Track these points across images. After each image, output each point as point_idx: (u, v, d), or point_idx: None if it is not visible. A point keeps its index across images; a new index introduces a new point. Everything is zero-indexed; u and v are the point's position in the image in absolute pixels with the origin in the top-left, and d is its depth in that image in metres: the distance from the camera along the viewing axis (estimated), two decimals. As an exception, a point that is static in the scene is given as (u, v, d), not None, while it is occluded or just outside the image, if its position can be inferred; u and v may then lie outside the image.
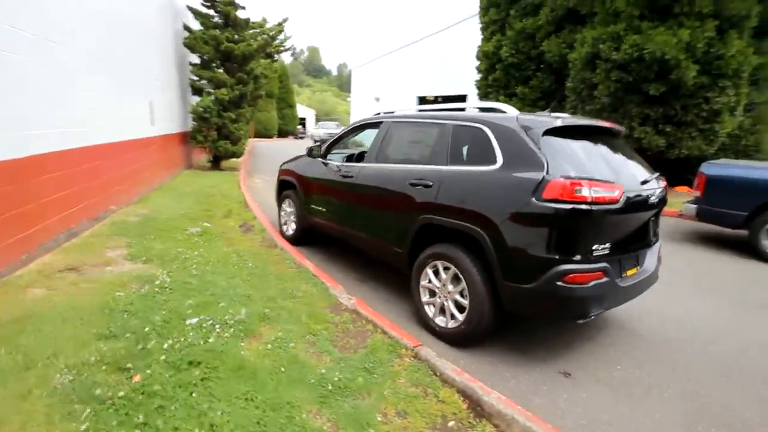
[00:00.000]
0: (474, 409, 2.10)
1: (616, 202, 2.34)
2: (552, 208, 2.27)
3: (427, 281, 2.98)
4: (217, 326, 2.62)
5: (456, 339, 2.76)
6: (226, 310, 2.85)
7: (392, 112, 3.77)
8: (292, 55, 78.27)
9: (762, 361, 2.77)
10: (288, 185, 5.00)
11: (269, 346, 2.48)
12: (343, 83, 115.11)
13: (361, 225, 3.64)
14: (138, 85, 6.83)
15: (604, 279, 2.37)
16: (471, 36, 20.00)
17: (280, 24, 10.40)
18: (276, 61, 13.98)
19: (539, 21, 10.57)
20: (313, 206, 4.39)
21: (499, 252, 2.44)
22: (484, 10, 12.16)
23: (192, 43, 9.67)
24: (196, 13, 10.07)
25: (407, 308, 3.35)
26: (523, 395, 2.28)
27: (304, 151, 4.74)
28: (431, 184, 2.89)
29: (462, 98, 21.55)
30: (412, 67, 24.73)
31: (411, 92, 25.04)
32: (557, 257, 2.30)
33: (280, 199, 5.21)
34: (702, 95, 8.23)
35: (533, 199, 2.32)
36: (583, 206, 2.25)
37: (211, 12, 10.24)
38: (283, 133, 42.65)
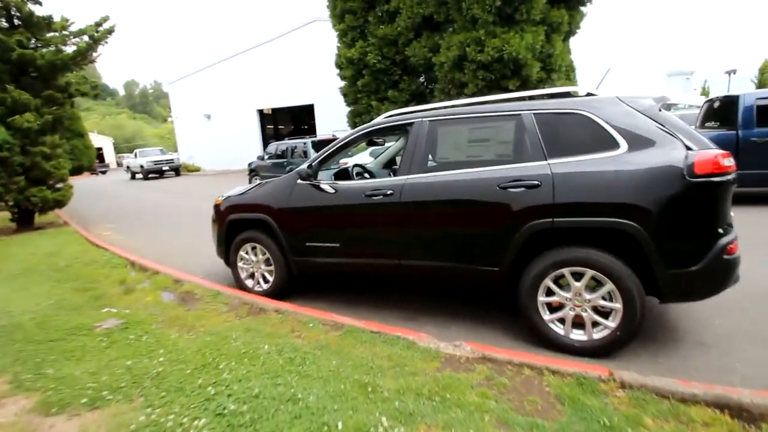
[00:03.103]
0: (740, 416, 1.83)
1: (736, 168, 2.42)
2: (706, 182, 2.20)
3: (544, 295, 2.55)
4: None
5: (606, 349, 2.44)
6: (361, 428, 1.80)
7: (415, 111, 3.14)
8: (61, 73, 62.11)
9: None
10: (249, 225, 3.71)
11: (481, 455, 1.65)
12: (135, 103, 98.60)
13: (416, 252, 2.91)
14: None
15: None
16: (307, 45, 19.74)
17: (98, 24, 7.85)
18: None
19: (398, 28, 11.07)
20: (312, 244, 3.34)
21: (659, 241, 2.24)
22: (339, 18, 12.03)
23: (-46, 48, 6.37)
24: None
25: (495, 330, 2.84)
26: (723, 378, 2.13)
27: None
28: (539, 183, 2.47)
29: (309, 108, 21.08)
30: (244, 79, 22.81)
31: (249, 106, 23.13)
32: (718, 231, 2.25)
33: (231, 247, 3.83)
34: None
35: (687, 177, 2.20)
36: (728, 176, 2.25)
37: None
38: (75, 170, 33.58)
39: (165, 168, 23.00)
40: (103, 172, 37.38)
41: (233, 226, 3.79)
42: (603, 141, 2.41)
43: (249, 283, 3.81)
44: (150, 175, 22.79)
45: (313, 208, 3.30)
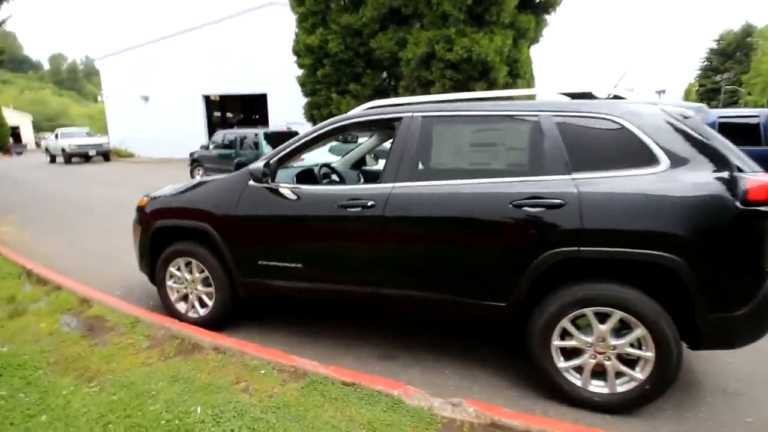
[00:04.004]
0: None
1: None
2: (760, 211, 1.83)
3: (560, 339, 2.09)
4: None
5: (631, 405, 2.03)
6: None
7: (404, 104, 2.54)
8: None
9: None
10: (182, 234, 2.92)
11: None
12: (62, 79, 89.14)
13: (402, 279, 2.33)
14: None
15: None
16: (262, 29, 18.42)
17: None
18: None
19: (363, 18, 10.40)
20: (267, 263, 2.64)
21: (704, 280, 1.85)
22: (298, 0, 11.12)
23: None
24: None
25: (493, 372, 2.35)
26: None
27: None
28: (562, 202, 1.99)
29: (262, 97, 19.73)
30: (188, 60, 20.84)
31: (194, 90, 21.21)
32: (766, 269, 1.90)
33: (159, 261, 3.01)
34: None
35: (739, 203, 1.82)
36: (781, 203, 1.91)
37: None
38: (-19, 150, 29.24)
39: (91, 153, 20.44)
40: (19, 153, 32.82)
41: (161, 234, 2.97)
42: (640, 155, 1.98)
43: (181, 306, 3.02)
44: (73, 159, 20.16)
45: (269, 218, 2.60)
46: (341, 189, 2.53)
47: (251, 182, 2.60)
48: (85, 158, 20.50)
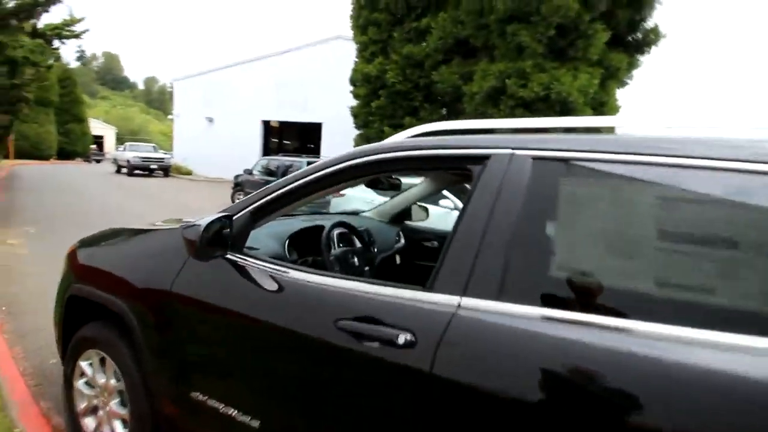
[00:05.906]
0: None
1: None
2: None
3: None
4: None
5: None
6: None
7: (484, 130, 1.32)
8: (80, 59, 62.32)
9: None
10: (98, 311, 1.81)
11: None
12: (152, 99, 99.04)
13: None
14: None
15: None
16: (326, 61, 18.52)
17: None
18: (57, 48, 8.92)
19: (426, 48, 9.57)
20: (202, 398, 1.43)
21: None
22: (361, 29, 10.61)
23: None
24: None
25: None
26: None
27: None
28: None
29: (317, 127, 19.60)
30: (252, 87, 21.46)
31: (253, 115, 21.68)
32: None
33: (70, 349, 1.91)
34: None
35: None
36: None
37: None
38: (66, 155, 32.16)
39: (153, 166, 21.27)
40: (98, 161, 35.85)
41: (72, 305, 1.89)
42: None
43: (88, 424, 1.87)
44: (135, 172, 21.02)
45: (220, 313, 1.42)
46: (350, 287, 1.27)
47: (193, 257, 1.43)
48: (148, 171, 21.33)
